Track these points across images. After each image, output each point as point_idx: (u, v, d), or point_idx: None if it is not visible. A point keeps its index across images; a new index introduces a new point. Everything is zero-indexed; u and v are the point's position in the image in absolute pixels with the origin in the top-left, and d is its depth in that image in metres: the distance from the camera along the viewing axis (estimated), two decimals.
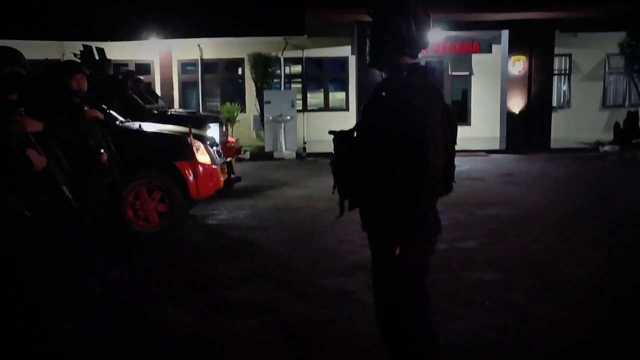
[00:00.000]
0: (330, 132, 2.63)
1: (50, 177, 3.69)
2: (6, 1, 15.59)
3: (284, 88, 17.50)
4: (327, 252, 6.11)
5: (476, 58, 17.39)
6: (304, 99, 17.87)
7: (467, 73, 17.46)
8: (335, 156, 2.58)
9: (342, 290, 4.95)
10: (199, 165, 6.83)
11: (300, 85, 18.00)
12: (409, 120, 2.32)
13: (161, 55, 17.04)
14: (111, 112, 6.84)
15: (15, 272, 3.29)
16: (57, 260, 4.13)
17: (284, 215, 7.96)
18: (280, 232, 6.99)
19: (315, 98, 18.26)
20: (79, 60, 8.48)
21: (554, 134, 15.40)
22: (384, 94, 2.44)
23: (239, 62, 17.47)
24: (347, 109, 17.68)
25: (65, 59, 13.55)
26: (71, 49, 11.15)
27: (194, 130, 7.11)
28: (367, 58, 2.61)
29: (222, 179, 7.22)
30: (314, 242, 6.53)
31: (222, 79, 17.98)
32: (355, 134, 2.58)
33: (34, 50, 13.95)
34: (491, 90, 16.58)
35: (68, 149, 4.07)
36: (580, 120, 17.79)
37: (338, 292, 4.89)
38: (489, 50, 16.94)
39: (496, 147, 14.94)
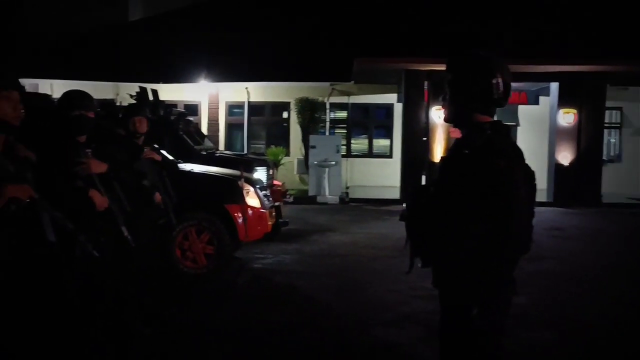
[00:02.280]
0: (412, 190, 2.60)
1: (110, 218, 3.74)
2: (65, 44, 16.29)
3: (329, 133, 17.64)
4: (375, 302, 6.00)
5: (523, 109, 17.25)
6: (348, 145, 17.96)
7: (514, 124, 17.29)
8: (409, 211, 2.53)
9: (392, 342, 4.83)
10: (249, 209, 6.86)
11: (345, 131, 18.12)
12: (492, 180, 2.27)
13: (209, 97, 17.40)
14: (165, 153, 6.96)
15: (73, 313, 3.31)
16: (111, 300, 4.14)
17: (329, 261, 7.89)
18: (326, 279, 6.90)
19: (359, 144, 18.33)
20: (135, 101, 8.70)
21: (604, 188, 15.01)
22: (466, 151, 2.39)
23: (285, 106, 17.71)
24: (391, 155, 17.66)
25: (119, 99, 14.01)
26: (125, 90, 11.48)
27: (244, 174, 7.18)
28: (445, 114, 2.59)
29: (270, 222, 7.23)
30: (361, 290, 6.43)
31: (268, 122, 18.22)
32: (431, 190, 2.53)
33: (90, 90, 14.44)
34: (538, 142, 16.35)
35: (128, 190, 4.13)
36: (632, 175, 17.33)
37: (388, 345, 4.77)
38: (536, 102, 16.79)
39: (543, 199, 14.63)
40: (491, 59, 2.49)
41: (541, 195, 14.84)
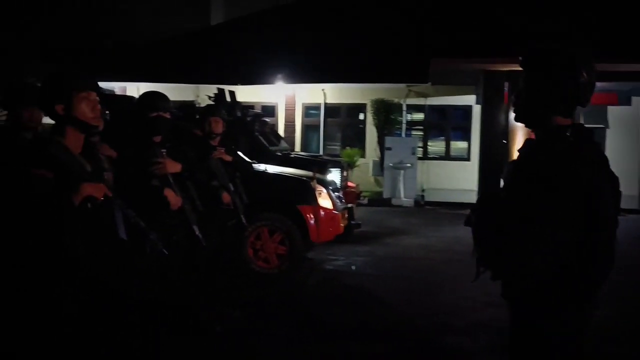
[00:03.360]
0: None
1: (183, 217, 3.83)
2: (151, 49, 16.96)
3: (405, 135, 17.44)
4: (447, 307, 5.86)
5: (612, 110, 16.39)
6: (425, 147, 17.69)
7: (602, 126, 16.47)
8: (476, 218, 2.38)
9: (462, 350, 4.71)
10: (321, 210, 6.87)
11: (421, 133, 17.87)
12: (576, 189, 2.10)
13: (286, 98, 17.62)
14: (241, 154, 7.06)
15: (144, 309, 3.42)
16: (181, 297, 4.25)
17: (401, 264, 7.79)
18: (397, 283, 6.82)
19: (436, 146, 18.01)
20: (214, 102, 8.92)
21: None
22: (544, 157, 2.19)
23: (361, 107, 17.67)
24: (468, 158, 17.25)
25: (199, 101, 14.42)
26: (205, 92, 11.79)
27: (317, 175, 7.20)
28: (515, 112, 2.39)
29: (342, 224, 7.22)
30: (432, 295, 6.30)
31: (344, 124, 18.24)
32: (502, 195, 2.36)
33: (172, 92, 15.00)
34: (629, 145, 15.50)
35: (200, 190, 4.22)
36: None
37: (458, 353, 4.65)
38: (628, 102, 15.91)
39: (635, 206, 13.81)
40: (576, 55, 2.25)
41: (632, 202, 14.02)
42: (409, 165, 14.59)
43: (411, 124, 17.95)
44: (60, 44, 18.57)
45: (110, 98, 7.17)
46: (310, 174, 7.29)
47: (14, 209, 2.57)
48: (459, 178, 16.74)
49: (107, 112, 4.80)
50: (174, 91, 15.35)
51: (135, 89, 15.52)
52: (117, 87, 15.60)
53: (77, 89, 2.69)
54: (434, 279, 6.99)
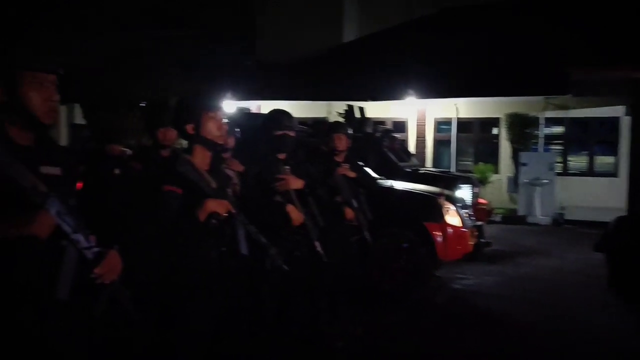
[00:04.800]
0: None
1: (305, 233, 3.91)
2: (281, 67, 17.64)
3: (543, 150, 16.56)
4: (582, 335, 5.44)
5: None
6: (565, 162, 16.67)
7: None
8: (612, 244, 2.17)
9: None
10: (448, 227, 6.70)
11: (561, 147, 16.87)
12: None
13: (417, 114, 17.45)
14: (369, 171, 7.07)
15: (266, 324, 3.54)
16: (304, 312, 4.32)
17: (534, 286, 7.37)
18: (528, 306, 6.46)
19: (577, 161, 16.90)
20: (343, 119, 9.06)
21: None
22: None
23: (495, 121, 17.04)
24: (616, 174, 15.99)
25: (331, 117, 14.75)
26: (337, 108, 12.02)
27: (445, 191, 7.05)
28: None
29: (471, 242, 6.98)
30: (566, 322, 5.88)
31: (476, 139, 17.68)
32: None
33: (305, 109, 15.52)
34: None
35: (322, 205, 4.28)
36: None
37: None
38: None
39: None
40: None
41: None
42: (546, 181, 13.86)
43: (549, 138, 16.98)
44: (202, 62, 19.82)
45: (242, 116, 7.56)
46: (438, 190, 7.15)
47: (149, 222, 2.78)
48: (605, 195, 15.56)
49: (237, 129, 5.06)
50: (308, 108, 15.92)
51: (271, 107, 16.17)
52: (253, 105, 16.37)
53: (205, 110, 2.87)
54: (569, 304, 6.53)
